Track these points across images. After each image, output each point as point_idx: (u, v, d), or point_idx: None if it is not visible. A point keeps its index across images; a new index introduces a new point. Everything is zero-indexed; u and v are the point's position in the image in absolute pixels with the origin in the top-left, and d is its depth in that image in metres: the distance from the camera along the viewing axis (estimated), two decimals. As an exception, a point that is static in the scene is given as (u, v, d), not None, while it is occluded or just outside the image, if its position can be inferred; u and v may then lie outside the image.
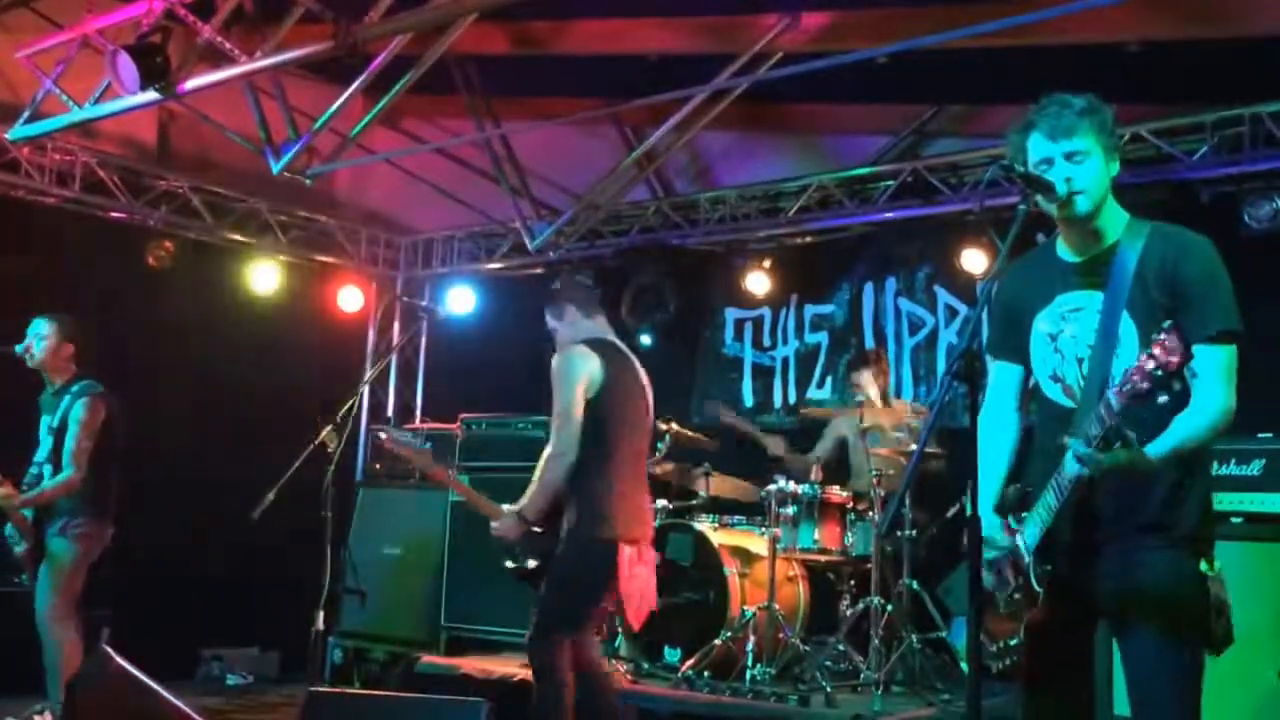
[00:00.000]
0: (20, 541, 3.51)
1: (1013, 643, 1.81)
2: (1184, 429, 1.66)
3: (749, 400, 5.05)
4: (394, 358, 5.81)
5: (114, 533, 3.59)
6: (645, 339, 4.99)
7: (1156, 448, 1.64)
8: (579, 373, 2.72)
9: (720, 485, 4.07)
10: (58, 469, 3.48)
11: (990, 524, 1.77)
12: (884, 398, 4.11)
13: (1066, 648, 1.80)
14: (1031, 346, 1.84)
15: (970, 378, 1.74)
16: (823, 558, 3.76)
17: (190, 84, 3.53)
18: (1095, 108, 1.79)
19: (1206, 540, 1.73)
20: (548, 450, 2.69)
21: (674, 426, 4.07)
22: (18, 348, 3.66)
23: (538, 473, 2.70)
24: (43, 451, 3.55)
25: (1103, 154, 1.77)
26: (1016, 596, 1.78)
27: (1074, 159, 1.76)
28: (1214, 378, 1.68)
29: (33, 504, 3.45)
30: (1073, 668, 1.82)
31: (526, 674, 3.76)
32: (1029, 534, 1.75)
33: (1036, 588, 1.72)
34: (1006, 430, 1.90)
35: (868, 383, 4.10)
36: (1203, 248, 1.74)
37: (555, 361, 2.77)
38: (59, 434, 3.50)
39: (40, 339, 3.59)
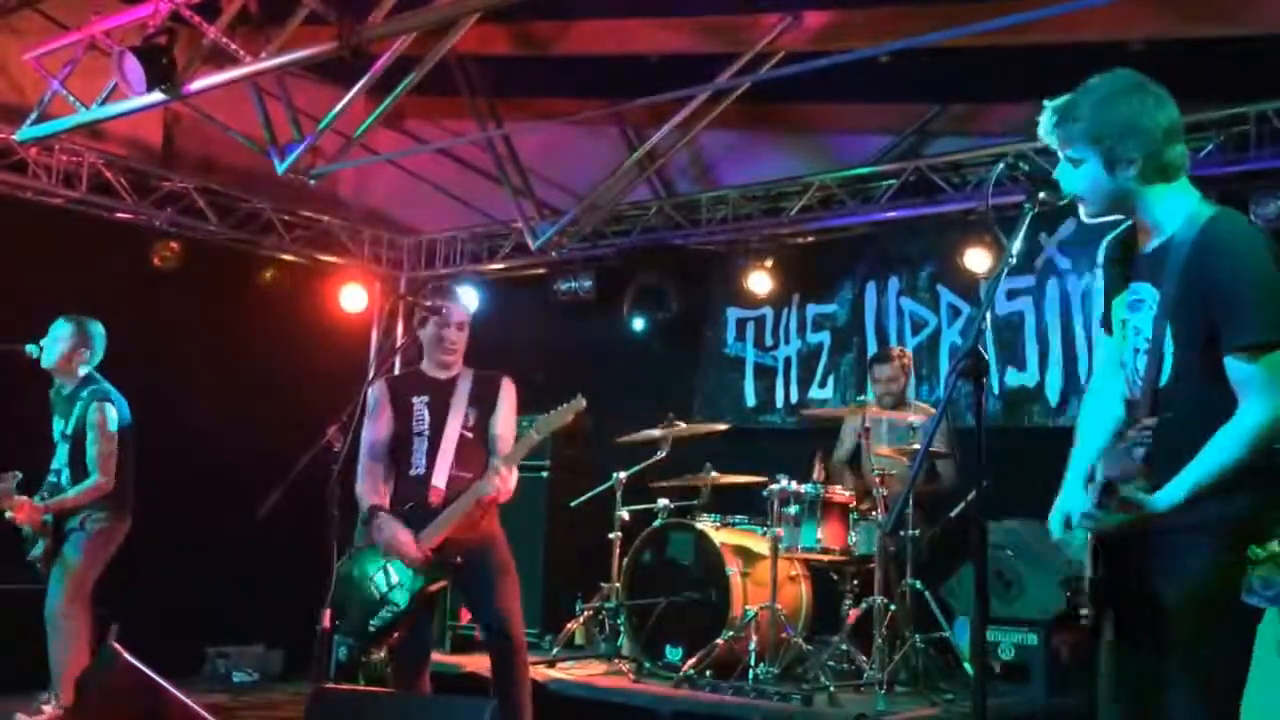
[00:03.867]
0: (37, 542, 3.52)
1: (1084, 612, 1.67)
2: (1207, 462, 1.53)
3: (751, 400, 5.05)
4: (398, 358, 5.82)
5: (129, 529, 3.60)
6: (639, 328, 4.98)
7: (1170, 494, 1.52)
8: None
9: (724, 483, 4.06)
10: (77, 474, 3.48)
11: (1073, 503, 1.68)
12: (903, 397, 4.05)
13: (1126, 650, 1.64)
14: (1114, 326, 1.77)
15: (975, 377, 1.74)
16: (825, 557, 3.75)
17: (195, 85, 3.55)
18: (1074, 114, 1.67)
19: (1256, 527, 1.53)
20: None
21: (678, 424, 4.07)
22: (29, 347, 3.67)
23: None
24: (60, 458, 3.54)
25: (1098, 158, 1.66)
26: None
27: (1075, 165, 1.70)
28: (1245, 394, 1.53)
29: (56, 510, 3.44)
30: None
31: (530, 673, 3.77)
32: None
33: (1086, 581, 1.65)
34: (1108, 405, 1.76)
35: (890, 380, 4.02)
36: (1229, 241, 1.58)
37: None
38: (75, 439, 3.51)
39: (59, 341, 3.59)
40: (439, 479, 2.76)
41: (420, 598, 2.70)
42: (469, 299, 2.87)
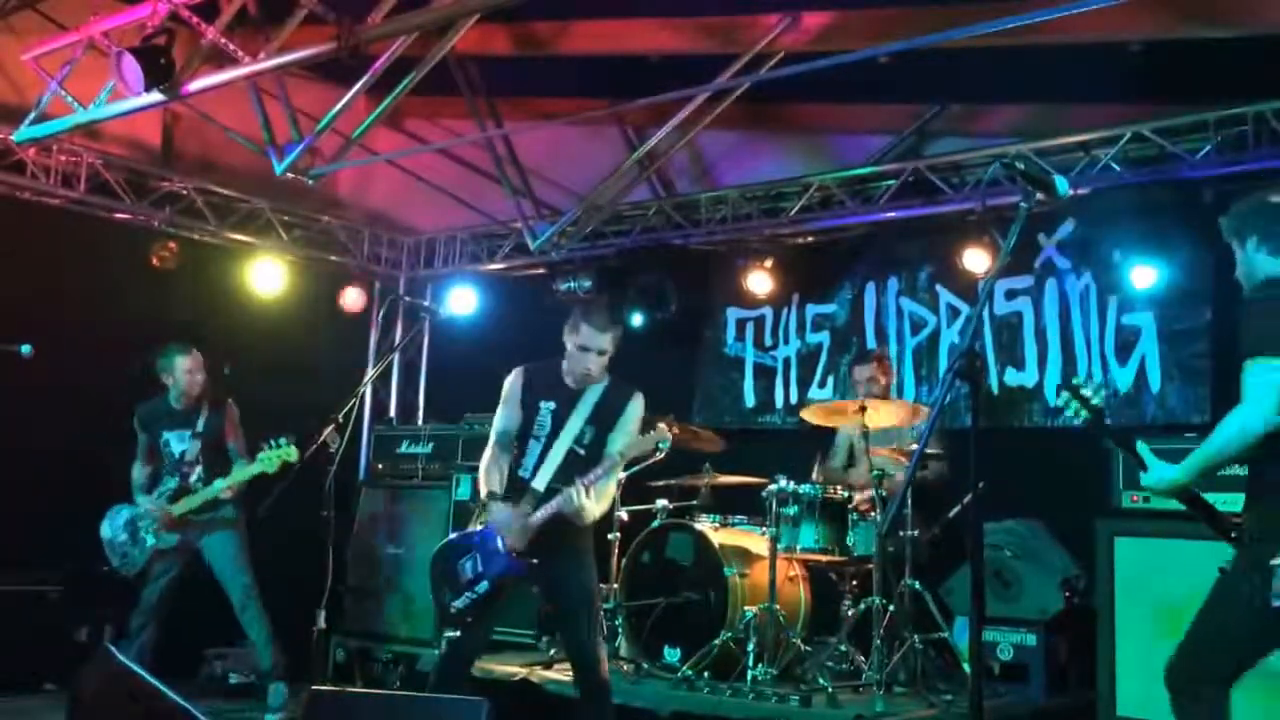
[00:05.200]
0: (162, 541, 3.93)
1: None
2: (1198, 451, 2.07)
3: (750, 400, 5.05)
4: (396, 357, 5.82)
5: None
6: (638, 328, 4.98)
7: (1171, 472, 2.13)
8: None
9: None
10: (213, 469, 4.00)
11: None
12: (885, 397, 4.10)
13: None
14: None
15: (972, 377, 1.74)
16: (824, 558, 3.75)
17: (194, 85, 3.54)
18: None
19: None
20: None
21: (676, 427, 4.06)
22: (23, 347, 3.70)
23: None
24: (190, 454, 4.03)
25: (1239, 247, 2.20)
26: None
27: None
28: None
29: (237, 493, 3.97)
30: None
31: (527, 673, 3.78)
32: None
33: None
34: None
35: (870, 380, 4.08)
36: None
37: None
38: (213, 436, 4.06)
39: (197, 371, 4.07)
40: (539, 484, 2.84)
41: (498, 586, 2.83)
42: (613, 329, 2.85)
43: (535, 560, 2.80)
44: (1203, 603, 2.11)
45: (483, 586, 2.82)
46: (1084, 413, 2.16)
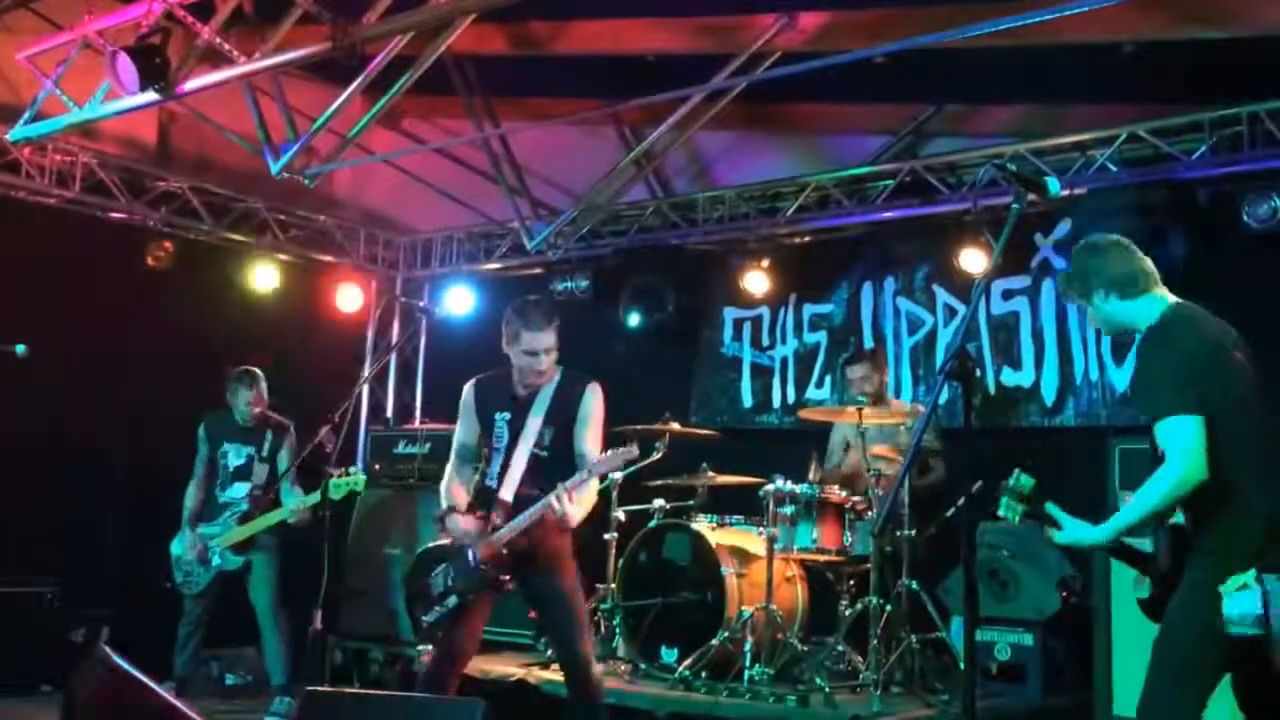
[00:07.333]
0: (229, 563, 3.99)
1: None
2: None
3: (748, 400, 5.05)
4: (393, 357, 5.81)
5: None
6: (635, 328, 4.98)
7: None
8: None
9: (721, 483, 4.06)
10: (273, 493, 4.05)
11: None
12: (880, 395, 4.11)
13: None
14: None
15: (964, 377, 1.74)
16: (821, 558, 3.75)
17: (190, 85, 3.54)
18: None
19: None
20: None
21: (674, 425, 4.07)
22: (19, 348, 3.69)
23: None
24: (260, 476, 4.08)
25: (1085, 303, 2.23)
26: None
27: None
28: None
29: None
30: None
31: (524, 674, 3.78)
32: None
33: None
34: None
35: (864, 379, 4.09)
36: None
37: None
38: (273, 460, 4.09)
39: (261, 397, 4.13)
40: (506, 494, 2.80)
41: (468, 601, 2.78)
42: (553, 322, 2.78)
43: (505, 575, 2.77)
44: (1157, 644, 2.09)
45: (451, 601, 2.77)
46: (1019, 508, 2.13)
